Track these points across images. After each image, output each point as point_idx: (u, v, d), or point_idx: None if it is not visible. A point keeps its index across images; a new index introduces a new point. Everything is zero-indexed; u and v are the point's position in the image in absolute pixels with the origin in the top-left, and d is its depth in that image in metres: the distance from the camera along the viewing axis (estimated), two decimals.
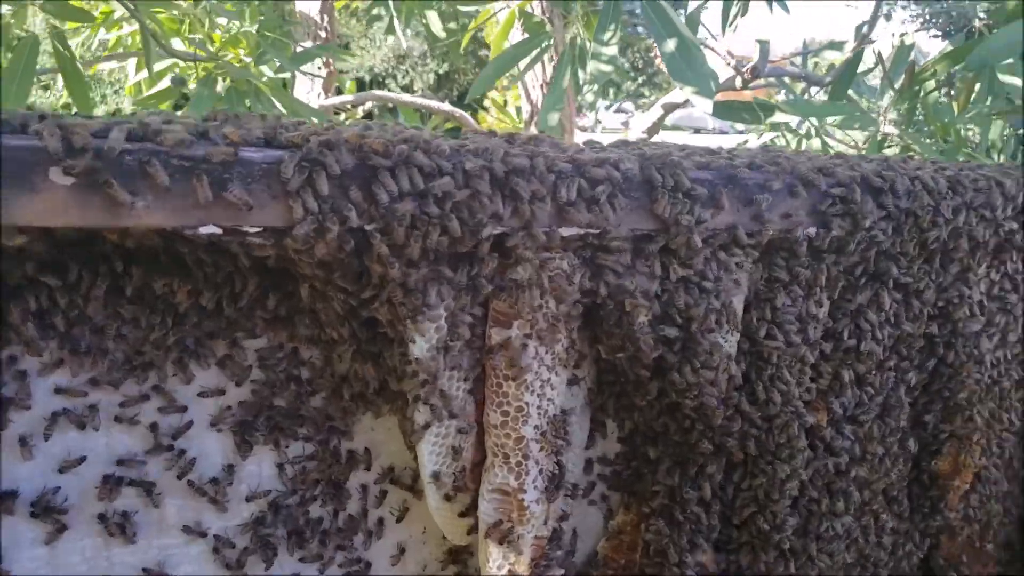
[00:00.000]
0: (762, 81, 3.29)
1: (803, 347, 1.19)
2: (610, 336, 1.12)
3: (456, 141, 0.95)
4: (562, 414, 1.11)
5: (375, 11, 4.04)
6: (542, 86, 3.63)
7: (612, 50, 2.45)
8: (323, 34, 3.84)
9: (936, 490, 1.48)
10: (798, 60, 3.55)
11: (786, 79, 3.56)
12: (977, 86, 3.23)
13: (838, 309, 1.25)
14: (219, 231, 0.83)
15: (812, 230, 1.17)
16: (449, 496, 1.08)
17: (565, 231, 1.00)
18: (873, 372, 1.29)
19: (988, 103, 3.27)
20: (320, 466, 1.14)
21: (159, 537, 1.05)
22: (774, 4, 2.90)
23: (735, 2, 2.52)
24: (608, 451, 1.33)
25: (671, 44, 2.46)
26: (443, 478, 1.07)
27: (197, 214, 0.81)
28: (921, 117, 2.97)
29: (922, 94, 2.83)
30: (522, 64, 2.97)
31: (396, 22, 3.67)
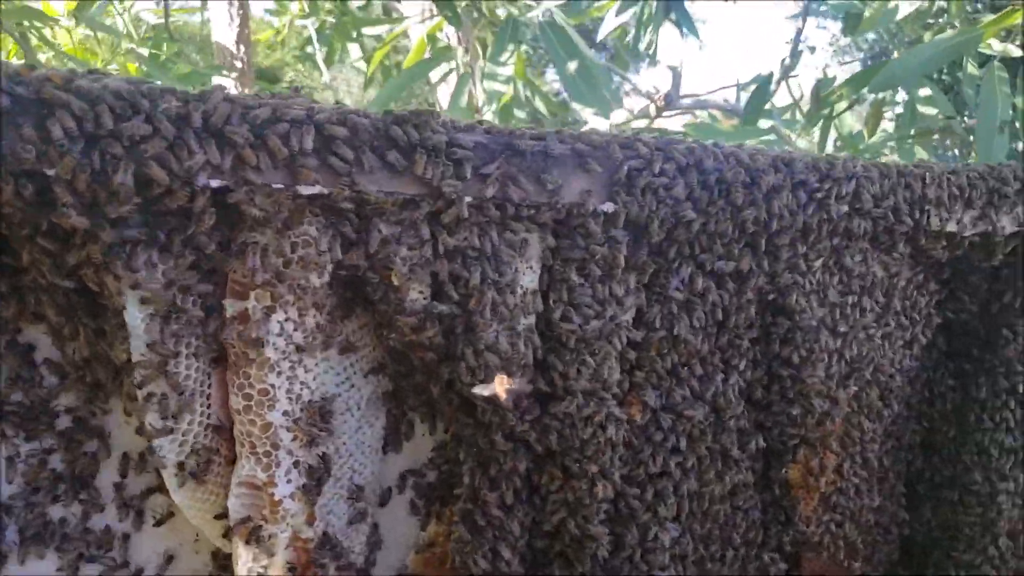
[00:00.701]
0: (670, 112, 3.27)
1: (603, 332, 1.09)
2: (381, 315, 1.03)
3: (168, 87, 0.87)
4: (322, 401, 1.00)
5: (307, 48, 4.04)
6: None
7: (508, 70, 2.43)
8: (239, 64, 3.81)
9: (788, 500, 1.37)
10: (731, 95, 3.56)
11: (714, 111, 3.55)
12: (892, 113, 3.22)
13: (650, 294, 1.16)
14: None
15: (608, 205, 1.08)
16: (180, 478, 0.96)
17: (304, 189, 0.91)
18: (694, 363, 1.19)
19: (911, 132, 3.26)
20: (63, 460, 1.03)
21: None
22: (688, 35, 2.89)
23: (645, 10, 2.50)
24: (419, 455, 1.22)
25: (572, 66, 2.45)
26: (185, 468, 0.96)
27: None
28: (838, 143, 2.95)
29: (833, 115, 2.80)
30: (434, 78, 2.96)
31: (319, 59, 3.66)
